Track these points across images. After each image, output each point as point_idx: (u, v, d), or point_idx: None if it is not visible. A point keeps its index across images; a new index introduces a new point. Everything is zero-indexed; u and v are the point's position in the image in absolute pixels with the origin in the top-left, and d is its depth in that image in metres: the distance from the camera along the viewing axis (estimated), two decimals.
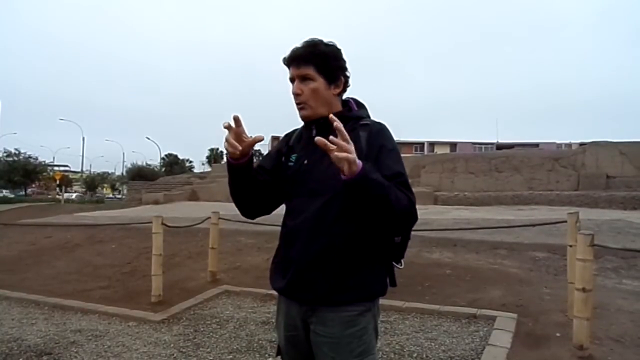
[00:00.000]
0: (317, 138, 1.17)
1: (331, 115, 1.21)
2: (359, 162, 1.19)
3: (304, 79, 1.43)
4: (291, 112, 1.54)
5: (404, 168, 1.40)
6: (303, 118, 1.48)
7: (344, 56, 1.49)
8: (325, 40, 1.47)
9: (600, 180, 13.79)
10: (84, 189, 51.76)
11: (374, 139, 1.41)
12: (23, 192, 38.48)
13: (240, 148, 1.34)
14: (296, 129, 1.61)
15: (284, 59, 1.46)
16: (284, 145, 1.59)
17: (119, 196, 43.58)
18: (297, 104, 1.46)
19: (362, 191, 1.22)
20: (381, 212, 1.26)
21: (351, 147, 1.17)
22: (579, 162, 14.55)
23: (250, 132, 1.36)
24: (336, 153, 1.15)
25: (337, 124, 1.18)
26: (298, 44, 1.45)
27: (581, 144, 20.85)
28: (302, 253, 1.41)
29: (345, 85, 1.50)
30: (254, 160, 1.46)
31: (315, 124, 1.48)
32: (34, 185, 44.62)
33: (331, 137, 1.17)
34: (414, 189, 1.40)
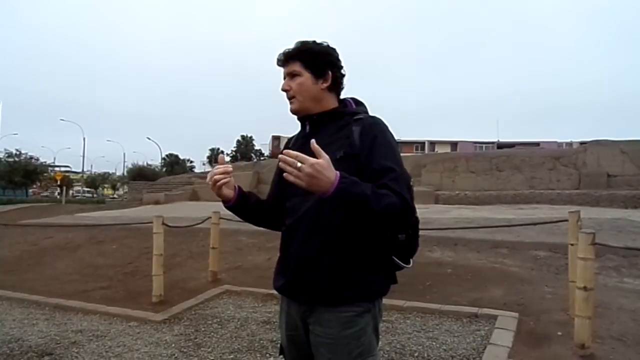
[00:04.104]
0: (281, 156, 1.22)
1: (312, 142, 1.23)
2: (334, 178, 1.19)
3: (292, 75, 1.48)
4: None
5: (397, 161, 1.37)
6: (292, 111, 1.52)
7: (338, 55, 1.52)
8: (319, 40, 1.51)
9: (601, 179, 13.77)
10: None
11: (367, 132, 1.40)
12: (24, 193, 38.52)
13: (232, 193, 1.47)
14: (296, 134, 1.64)
15: (277, 59, 1.52)
16: (284, 149, 1.60)
17: (115, 196, 43.70)
18: (287, 99, 1.51)
19: (341, 205, 1.24)
20: (367, 218, 1.28)
21: (304, 172, 1.17)
22: (580, 161, 14.53)
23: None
24: (298, 181, 1.19)
25: (283, 156, 1.21)
26: (290, 45, 1.51)
27: (582, 143, 20.82)
28: (299, 251, 1.41)
29: (336, 80, 1.50)
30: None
31: (309, 121, 1.51)
32: (34, 186, 44.64)
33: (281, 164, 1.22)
34: (415, 188, 1.38)
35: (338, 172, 1.20)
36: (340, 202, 1.22)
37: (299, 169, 1.17)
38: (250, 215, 1.58)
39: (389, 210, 1.25)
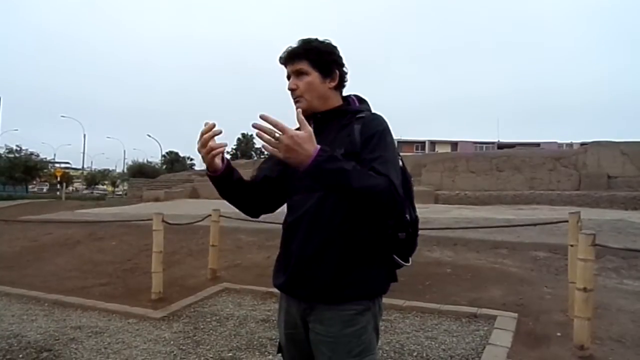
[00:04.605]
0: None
1: (261, 114, 1.19)
2: (312, 151, 1.18)
3: (298, 74, 1.46)
4: (290, 109, 1.54)
5: (389, 150, 1.36)
6: None
7: (340, 52, 1.51)
8: (321, 38, 1.49)
9: (602, 180, 13.76)
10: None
11: (367, 129, 1.39)
12: (24, 189, 38.58)
13: (221, 163, 1.41)
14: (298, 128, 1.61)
15: (280, 57, 1.49)
16: None
17: (120, 192, 43.69)
18: (294, 98, 1.48)
19: (318, 180, 1.23)
20: (348, 196, 1.25)
21: (283, 143, 1.16)
22: (580, 162, 14.52)
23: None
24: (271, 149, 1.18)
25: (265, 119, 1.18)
26: (293, 43, 1.48)
27: (582, 144, 20.80)
28: (300, 248, 1.41)
29: (342, 79, 1.50)
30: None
31: (313, 119, 1.49)
32: (34, 182, 44.72)
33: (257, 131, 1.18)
34: (414, 188, 1.38)
35: (319, 146, 1.20)
36: (317, 177, 1.21)
37: (277, 139, 1.16)
38: (231, 191, 1.51)
39: (372, 190, 1.23)
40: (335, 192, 1.27)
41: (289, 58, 1.47)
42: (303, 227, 1.41)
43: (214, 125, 1.36)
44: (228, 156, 1.49)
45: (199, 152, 1.38)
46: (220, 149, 1.38)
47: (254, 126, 1.16)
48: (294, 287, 1.44)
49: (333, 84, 1.48)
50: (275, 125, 1.16)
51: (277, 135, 1.15)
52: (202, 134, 1.36)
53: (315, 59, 1.44)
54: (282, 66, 1.50)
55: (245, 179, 1.57)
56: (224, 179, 1.46)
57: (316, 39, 1.48)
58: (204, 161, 1.40)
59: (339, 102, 1.51)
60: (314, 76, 1.45)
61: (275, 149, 1.17)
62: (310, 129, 1.20)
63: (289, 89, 1.47)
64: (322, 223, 1.37)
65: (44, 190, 45.95)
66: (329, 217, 1.37)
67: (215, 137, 1.36)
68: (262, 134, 1.17)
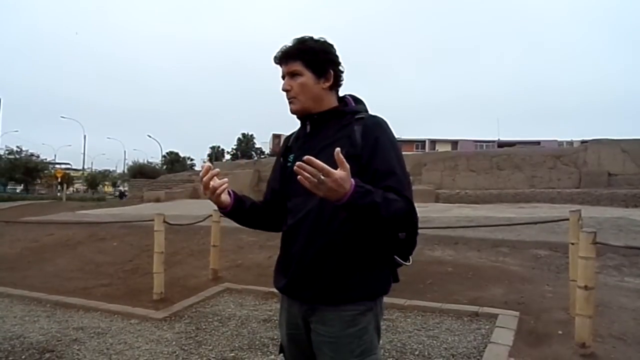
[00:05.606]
0: (297, 164, 1.16)
1: (337, 150, 1.16)
2: (349, 187, 1.17)
3: (292, 74, 1.45)
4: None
5: (400, 162, 1.38)
6: (292, 112, 1.49)
7: (336, 51, 1.49)
8: (316, 37, 1.48)
9: (602, 178, 13.77)
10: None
11: (370, 132, 1.39)
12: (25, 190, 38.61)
13: (229, 198, 1.45)
14: (295, 132, 1.62)
15: (275, 57, 1.48)
16: (283, 147, 1.61)
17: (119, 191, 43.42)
18: (288, 99, 1.48)
19: (350, 212, 1.23)
20: (377, 224, 1.29)
21: (326, 186, 1.14)
22: (580, 160, 14.53)
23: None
24: (315, 191, 1.16)
25: (338, 156, 1.16)
26: (288, 42, 1.47)
27: (583, 142, 20.79)
28: (302, 251, 1.41)
29: (337, 79, 1.49)
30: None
31: (310, 120, 1.49)
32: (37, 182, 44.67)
33: (300, 165, 1.15)
34: (415, 187, 1.39)
35: (354, 182, 1.18)
36: (350, 210, 1.22)
37: (320, 181, 1.14)
38: (247, 219, 1.56)
39: (397, 215, 1.27)
40: (363, 221, 1.28)
41: (283, 58, 1.45)
42: (304, 230, 1.41)
43: (210, 167, 1.38)
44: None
45: (204, 194, 1.41)
46: (223, 187, 1.40)
47: (298, 166, 1.14)
48: (296, 289, 1.44)
49: (327, 85, 1.46)
50: (321, 169, 1.14)
51: (321, 178, 1.14)
52: (202, 178, 1.38)
53: (309, 60, 1.43)
54: (277, 65, 1.49)
55: (258, 201, 1.60)
56: (235, 212, 1.49)
57: (311, 38, 1.46)
58: (211, 201, 1.42)
59: (334, 102, 1.50)
60: (307, 77, 1.43)
61: (316, 189, 1.16)
62: (348, 166, 1.16)
63: (283, 89, 1.47)
64: (324, 226, 1.37)
65: (17, 190, 42.98)
66: (330, 219, 1.37)
67: (215, 177, 1.39)
68: (303, 172, 1.14)
